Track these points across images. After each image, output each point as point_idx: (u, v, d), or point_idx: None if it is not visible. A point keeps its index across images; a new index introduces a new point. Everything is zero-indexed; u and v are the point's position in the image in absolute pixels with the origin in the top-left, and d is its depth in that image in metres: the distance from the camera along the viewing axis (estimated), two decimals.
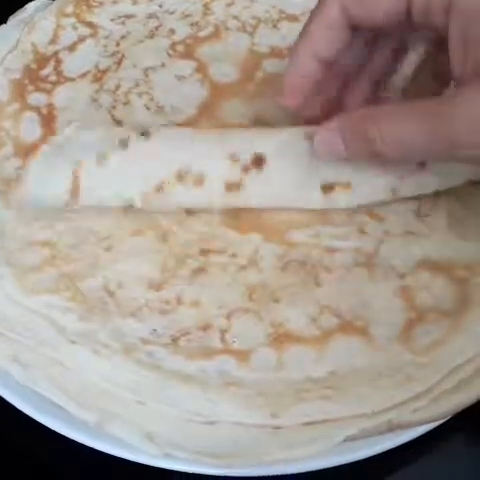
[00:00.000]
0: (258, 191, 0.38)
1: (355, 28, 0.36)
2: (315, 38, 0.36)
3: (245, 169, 0.38)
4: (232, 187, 0.38)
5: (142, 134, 0.39)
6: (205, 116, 0.44)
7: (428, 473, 0.37)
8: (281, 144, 0.38)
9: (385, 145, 0.33)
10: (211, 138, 0.39)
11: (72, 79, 0.45)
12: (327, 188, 0.38)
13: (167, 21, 0.49)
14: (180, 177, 0.38)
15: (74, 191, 0.38)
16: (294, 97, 0.38)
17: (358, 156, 0.36)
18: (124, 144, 0.38)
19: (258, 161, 0.38)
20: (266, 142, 0.38)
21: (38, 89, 0.45)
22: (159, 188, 0.38)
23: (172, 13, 0.49)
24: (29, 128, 0.43)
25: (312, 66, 0.37)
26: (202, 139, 0.39)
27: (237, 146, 0.38)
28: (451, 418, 0.34)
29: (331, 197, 0.38)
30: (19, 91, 0.45)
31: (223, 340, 0.35)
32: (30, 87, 0.45)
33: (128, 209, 0.39)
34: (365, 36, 0.38)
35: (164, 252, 0.38)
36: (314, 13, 0.36)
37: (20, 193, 0.39)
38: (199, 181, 0.38)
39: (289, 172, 0.38)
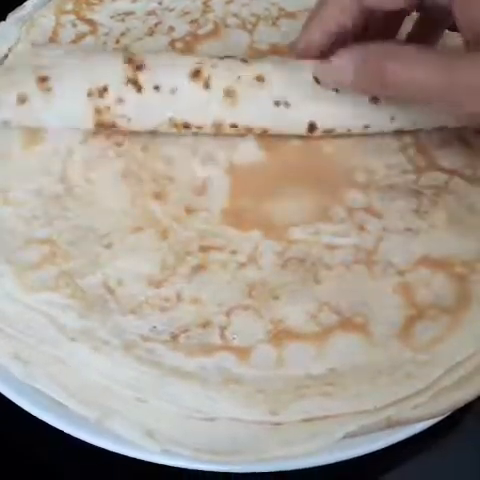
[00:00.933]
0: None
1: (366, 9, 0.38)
2: (326, 20, 0.38)
3: None
4: None
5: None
6: None
7: (427, 469, 0.37)
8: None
9: (397, 83, 0.35)
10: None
11: None
12: None
13: (166, 18, 0.49)
14: None
15: None
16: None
17: (364, 89, 0.37)
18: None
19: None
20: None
21: None
22: None
23: (171, 10, 0.49)
24: None
25: (324, 39, 0.39)
26: None
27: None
28: (450, 415, 0.34)
29: None
30: None
31: (223, 337, 0.35)
32: None
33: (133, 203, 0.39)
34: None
35: (164, 249, 0.38)
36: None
37: None
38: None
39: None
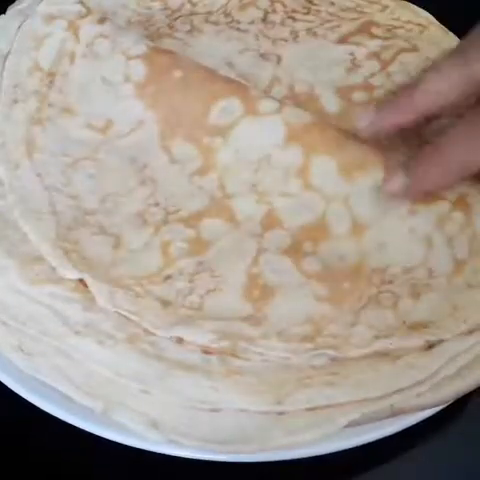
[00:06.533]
0: None
1: None
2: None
3: None
4: None
5: None
6: None
7: (427, 458, 0.37)
8: None
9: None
10: None
11: None
12: None
13: None
14: None
15: None
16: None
17: None
18: None
19: None
20: None
21: None
22: None
23: None
24: None
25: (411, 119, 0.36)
26: None
27: None
28: (450, 405, 0.34)
29: None
30: None
31: None
32: None
33: None
34: None
35: None
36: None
37: None
38: None
39: None
